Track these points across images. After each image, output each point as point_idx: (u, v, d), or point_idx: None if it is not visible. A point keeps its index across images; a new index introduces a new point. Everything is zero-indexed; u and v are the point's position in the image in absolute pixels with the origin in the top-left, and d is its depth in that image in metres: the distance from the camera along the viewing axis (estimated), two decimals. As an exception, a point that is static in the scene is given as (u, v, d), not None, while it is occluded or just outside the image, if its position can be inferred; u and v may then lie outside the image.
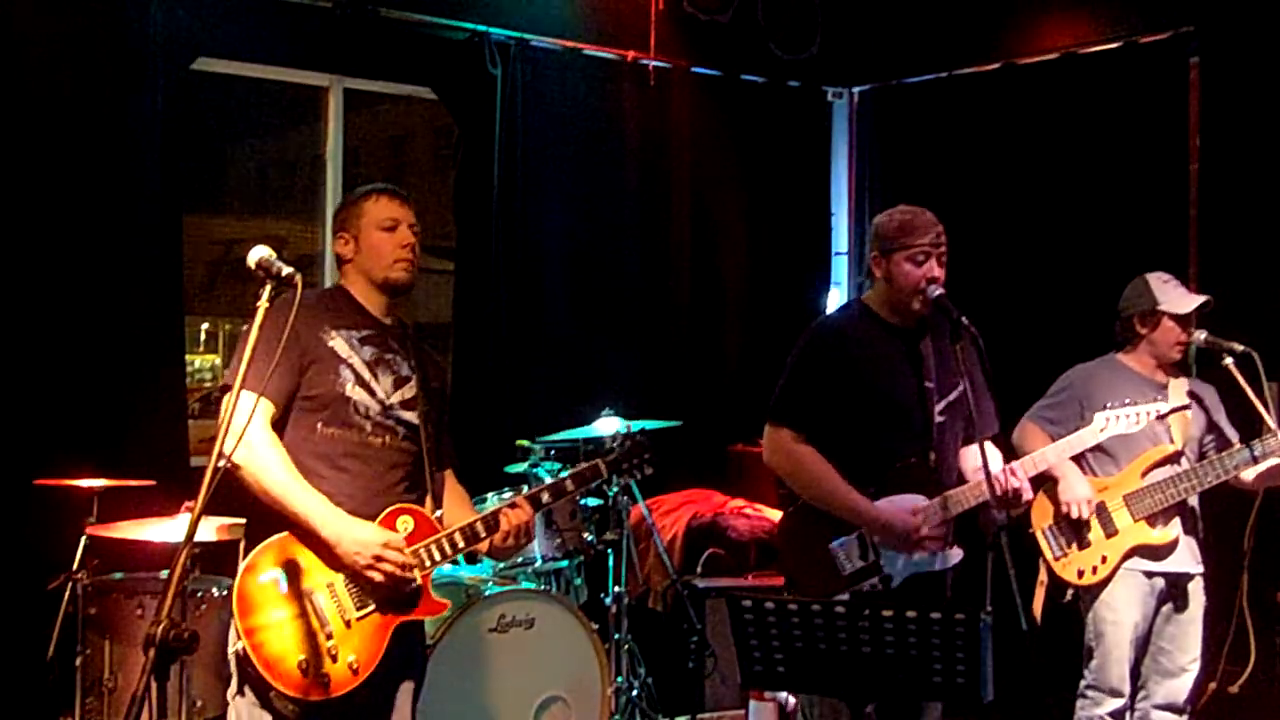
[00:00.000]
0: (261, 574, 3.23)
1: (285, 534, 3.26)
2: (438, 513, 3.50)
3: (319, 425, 3.33)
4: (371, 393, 3.39)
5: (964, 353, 3.84)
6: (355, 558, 3.24)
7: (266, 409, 3.26)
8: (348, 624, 3.26)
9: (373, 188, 3.58)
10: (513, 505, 3.51)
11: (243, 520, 4.25)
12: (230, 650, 3.27)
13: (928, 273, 3.88)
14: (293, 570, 3.24)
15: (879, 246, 3.97)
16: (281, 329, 2.99)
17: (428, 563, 3.37)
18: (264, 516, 3.30)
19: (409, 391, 3.45)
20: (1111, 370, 4.70)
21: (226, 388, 3.18)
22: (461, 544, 3.42)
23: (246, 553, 3.31)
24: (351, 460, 3.35)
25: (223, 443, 2.86)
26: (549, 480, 5.20)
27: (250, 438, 3.15)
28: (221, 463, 2.83)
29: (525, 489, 5.17)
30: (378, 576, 3.26)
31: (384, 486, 3.38)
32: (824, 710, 3.94)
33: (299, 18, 5.83)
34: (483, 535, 3.45)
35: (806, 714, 4.12)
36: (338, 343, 3.38)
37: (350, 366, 3.37)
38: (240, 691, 3.27)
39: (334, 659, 3.22)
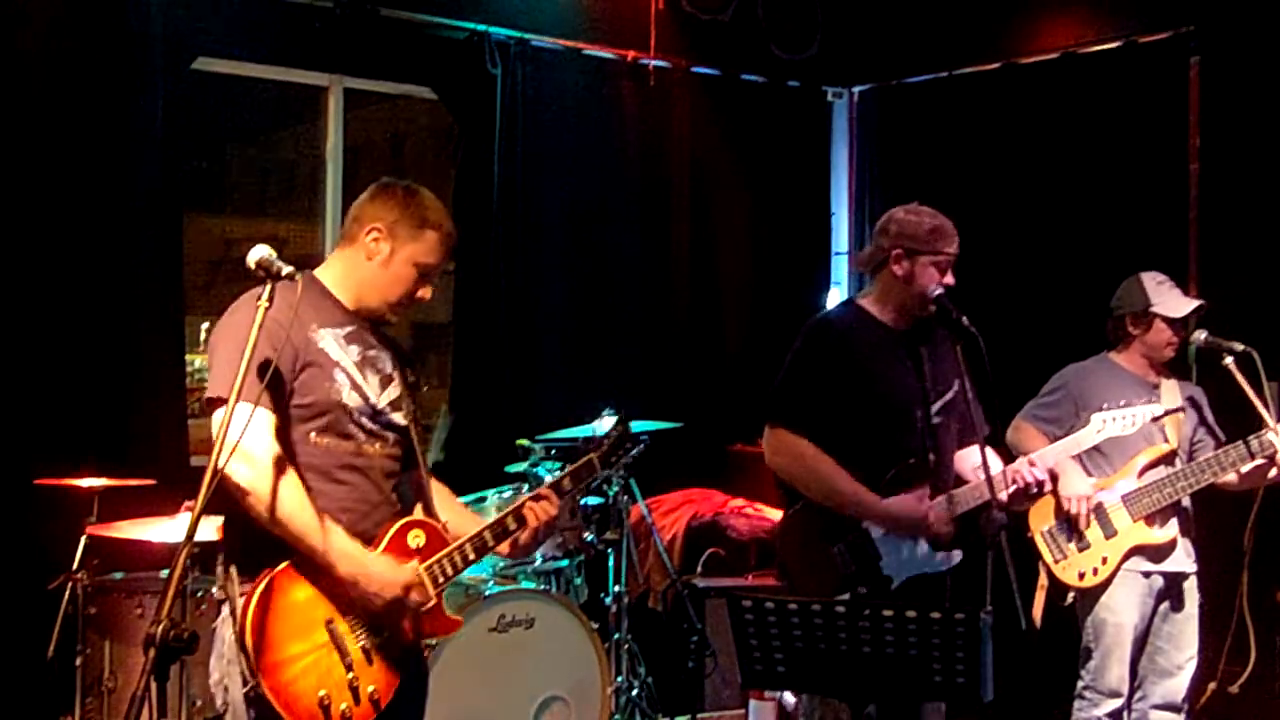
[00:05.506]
0: (275, 607, 2.95)
1: (286, 564, 2.98)
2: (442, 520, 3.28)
3: (312, 435, 3.05)
4: (365, 397, 3.12)
5: (960, 353, 3.85)
6: (374, 598, 3.01)
7: (269, 421, 2.96)
8: (367, 654, 3.04)
9: (442, 221, 3.22)
10: (536, 498, 3.27)
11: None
12: (235, 691, 2.95)
13: (945, 281, 3.89)
14: (306, 601, 2.99)
15: (905, 245, 3.91)
16: (269, 330, 2.85)
17: (441, 579, 3.13)
18: (260, 536, 2.98)
19: (394, 391, 3.20)
20: (1104, 369, 4.70)
21: (216, 401, 2.92)
22: (474, 556, 3.19)
23: (227, 566, 3.04)
24: (348, 472, 3.09)
25: (219, 454, 2.71)
26: (549, 479, 5.26)
27: (257, 455, 2.90)
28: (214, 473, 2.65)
29: (525, 488, 5.19)
30: (394, 619, 3.04)
31: (382, 498, 3.16)
32: (824, 710, 3.94)
33: (299, 17, 5.83)
34: (492, 544, 3.23)
35: (807, 714, 4.12)
36: (328, 343, 3.08)
37: (344, 370, 3.09)
38: None
39: (355, 692, 3.00)
